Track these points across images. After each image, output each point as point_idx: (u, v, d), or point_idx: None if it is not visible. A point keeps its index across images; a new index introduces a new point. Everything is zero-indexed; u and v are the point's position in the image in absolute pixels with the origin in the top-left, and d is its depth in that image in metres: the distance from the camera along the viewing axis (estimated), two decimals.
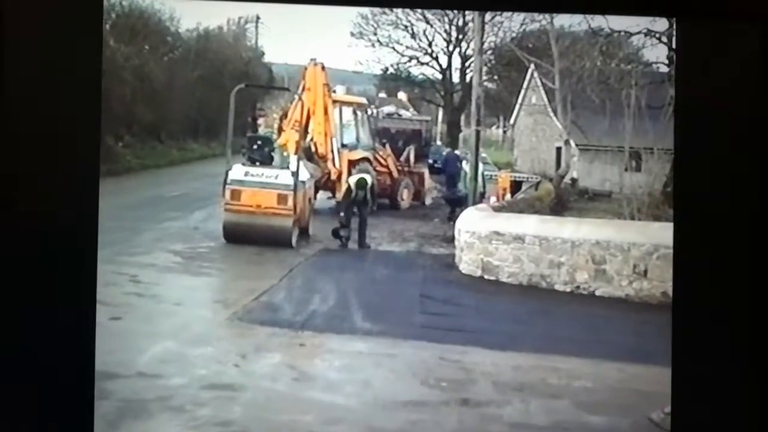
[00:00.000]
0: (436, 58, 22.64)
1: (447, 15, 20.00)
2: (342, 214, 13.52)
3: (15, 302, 3.23)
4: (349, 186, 13.86)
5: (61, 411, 3.29)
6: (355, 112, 17.14)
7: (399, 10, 19.62)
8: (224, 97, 13.72)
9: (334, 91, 17.32)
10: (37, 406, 3.27)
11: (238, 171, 12.89)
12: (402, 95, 26.04)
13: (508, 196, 17.31)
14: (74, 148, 3.18)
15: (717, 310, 3.39)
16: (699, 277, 3.38)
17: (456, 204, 16.07)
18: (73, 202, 3.22)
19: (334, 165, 15.82)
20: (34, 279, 3.23)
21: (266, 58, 24.32)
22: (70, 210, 3.21)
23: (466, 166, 16.25)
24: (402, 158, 17.73)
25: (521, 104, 21.69)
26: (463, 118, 23.02)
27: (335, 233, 13.43)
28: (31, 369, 3.26)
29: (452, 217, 15.77)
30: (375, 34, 20.59)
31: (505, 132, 25.19)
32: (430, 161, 18.90)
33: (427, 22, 20.50)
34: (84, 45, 3.14)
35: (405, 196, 16.68)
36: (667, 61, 15.85)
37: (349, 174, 15.99)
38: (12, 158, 3.19)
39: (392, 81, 24.30)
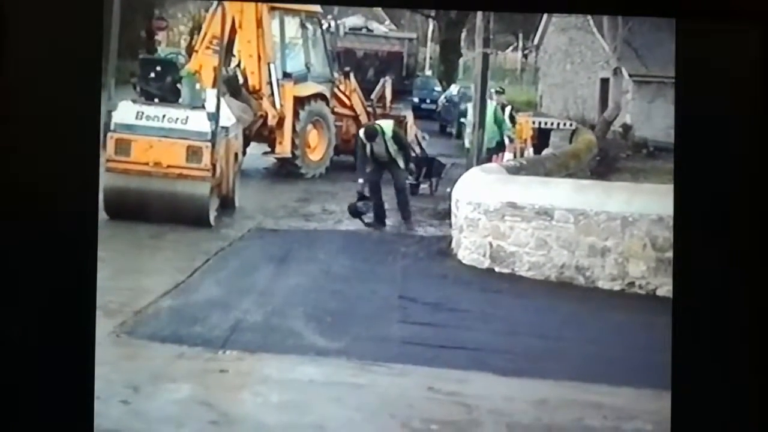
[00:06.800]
0: None
1: None
2: (361, 181, 13.79)
3: (14, 302, 4.42)
4: (360, 139, 14.02)
5: (60, 414, 4.42)
6: (303, 25, 17.08)
7: None
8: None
9: None
10: (37, 408, 4.40)
11: (126, 111, 12.91)
12: None
13: (529, 151, 17.38)
14: (74, 145, 4.48)
15: (719, 310, 4.57)
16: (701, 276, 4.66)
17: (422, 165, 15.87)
18: (73, 200, 4.48)
19: (272, 104, 15.78)
20: (33, 279, 4.44)
21: None
22: (70, 208, 4.49)
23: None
24: (374, 95, 17.75)
25: (550, 16, 21.69)
26: (463, 35, 22.98)
27: (354, 210, 13.78)
28: (30, 372, 4.45)
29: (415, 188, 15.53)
30: None
31: (525, 57, 25.20)
32: (416, 99, 18.85)
33: None
34: (84, 40, 4.43)
35: None
36: None
37: (296, 116, 15.93)
38: (11, 156, 4.49)
39: None
